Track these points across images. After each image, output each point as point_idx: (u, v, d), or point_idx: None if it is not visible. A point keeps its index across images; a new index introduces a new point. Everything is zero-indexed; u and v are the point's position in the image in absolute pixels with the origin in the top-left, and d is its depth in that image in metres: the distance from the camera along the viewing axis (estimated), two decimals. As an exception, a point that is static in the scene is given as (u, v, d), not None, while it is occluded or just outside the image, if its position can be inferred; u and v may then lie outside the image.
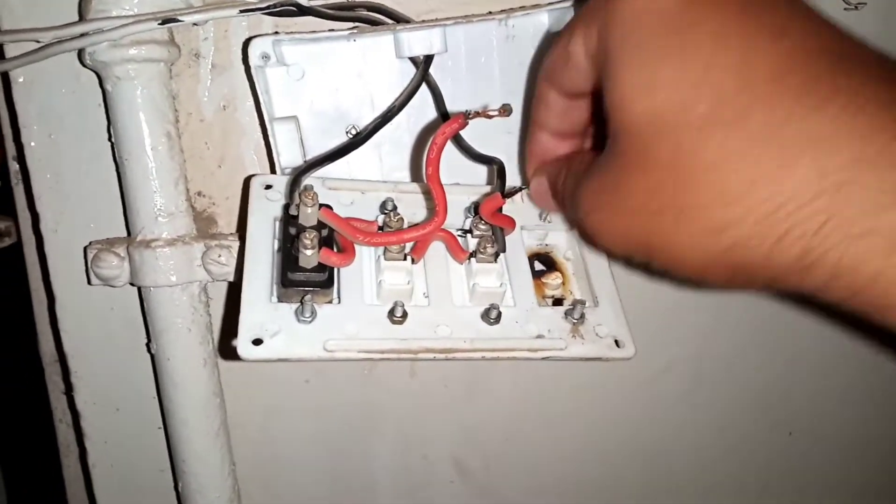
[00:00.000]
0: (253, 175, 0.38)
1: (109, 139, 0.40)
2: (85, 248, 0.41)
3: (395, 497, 0.49)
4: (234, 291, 0.42)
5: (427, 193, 0.40)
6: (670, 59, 0.26)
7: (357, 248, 0.36)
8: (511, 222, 0.38)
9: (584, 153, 0.35)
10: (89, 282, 0.41)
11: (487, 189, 0.42)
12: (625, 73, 0.27)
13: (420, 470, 0.49)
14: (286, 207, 0.36)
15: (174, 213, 0.40)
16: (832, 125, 0.23)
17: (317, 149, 0.42)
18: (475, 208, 0.39)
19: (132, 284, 0.40)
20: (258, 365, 0.45)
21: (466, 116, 0.33)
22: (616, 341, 0.36)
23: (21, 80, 0.40)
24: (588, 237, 0.31)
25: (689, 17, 0.27)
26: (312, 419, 0.47)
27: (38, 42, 0.38)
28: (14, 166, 0.48)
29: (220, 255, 0.40)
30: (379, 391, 0.47)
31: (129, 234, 0.41)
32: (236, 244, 0.40)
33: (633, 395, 0.52)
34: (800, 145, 0.24)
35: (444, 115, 0.42)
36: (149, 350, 0.41)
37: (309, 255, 0.33)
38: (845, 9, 0.48)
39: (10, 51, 0.39)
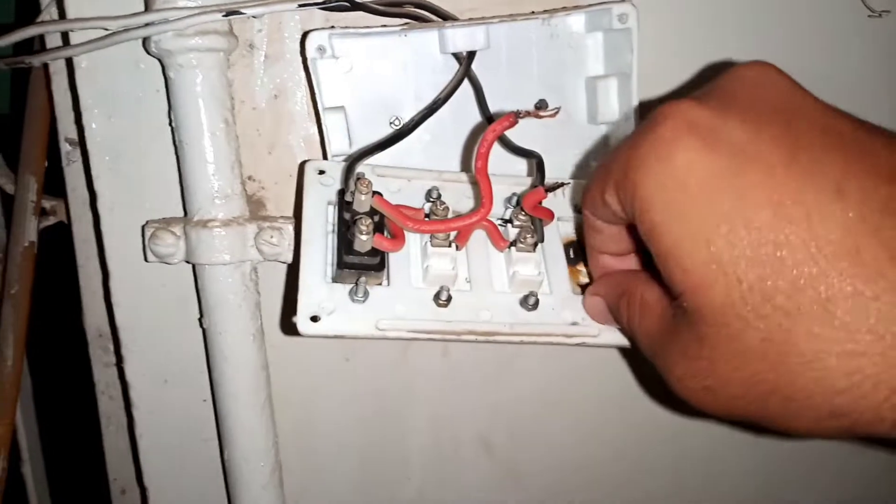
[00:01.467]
0: (307, 161, 0.41)
1: (170, 123, 0.42)
2: (143, 227, 0.43)
3: (425, 472, 0.51)
4: (290, 272, 0.44)
5: (469, 182, 0.42)
6: (734, 234, 0.25)
7: (406, 234, 0.38)
8: (549, 214, 0.40)
9: (643, 284, 0.34)
10: (146, 259, 0.43)
11: (526, 180, 0.44)
12: (691, 250, 0.26)
13: (449, 447, 0.51)
14: (341, 193, 0.38)
15: (230, 196, 0.42)
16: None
17: (362, 137, 0.44)
18: (516, 199, 0.41)
19: (187, 262, 0.43)
20: (301, 344, 0.47)
21: (517, 115, 0.35)
22: None
23: (84, 65, 0.42)
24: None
25: (741, 180, 0.26)
26: (349, 396, 0.49)
27: (105, 30, 0.40)
28: (66, 147, 0.50)
29: (272, 237, 0.42)
30: (412, 370, 0.50)
31: (185, 214, 0.43)
32: (287, 226, 0.42)
33: (655, 381, 0.54)
34: (891, 326, 0.23)
35: (484, 108, 0.44)
36: (201, 325, 0.43)
37: (364, 240, 0.35)
38: (869, 16, 0.50)
39: (76, 37, 0.42)
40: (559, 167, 0.47)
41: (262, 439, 0.44)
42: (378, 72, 0.44)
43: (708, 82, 0.31)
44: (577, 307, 0.38)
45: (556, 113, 0.35)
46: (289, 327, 0.34)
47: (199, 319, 0.44)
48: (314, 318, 0.34)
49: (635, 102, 0.45)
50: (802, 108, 0.28)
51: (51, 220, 0.62)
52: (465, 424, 0.52)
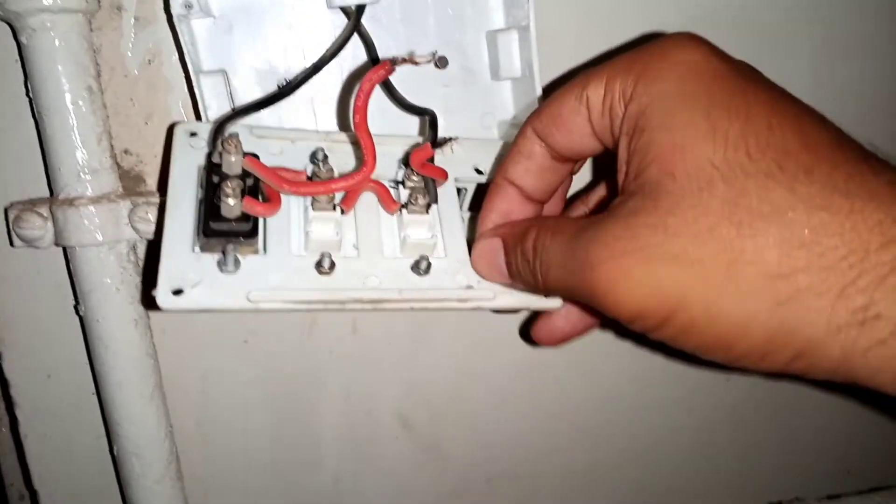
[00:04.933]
0: (177, 123, 0.37)
1: (27, 94, 0.38)
2: (6, 209, 0.40)
3: (340, 454, 0.49)
4: (154, 248, 0.41)
5: (360, 144, 0.40)
6: (735, 112, 0.26)
7: (285, 198, 0.35)
8: (443, 173, 0.38)
9: (554, 216, 0.33)
10: (12, 244, 0.40)
11: (421, 140, 0.41)
12: (686, 119, 0.27)
13: (364, 426, 0.49)
14: (210, 156, 0.35)
15: (98, 170, 0.38)
16: (890, 187, 0.24)
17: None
18: (407, 159, 0.38)
19: (57, 245, 0.39)
20: (194, 326, 0.44)
21: (393, 63, 0.33)
22: None
23: (-68, 34, 0.39)
24: (592, 293, 0.28)
25: (744, 82, 0.28)
26: (252, 379, 0.46)
27: (-56, -8, 0.37)
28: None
29: (147, 213, 0.39)
30: (320, 348, 0.47)
31: (51, 193, 0.39)
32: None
33: (573, 353, 0.52)
34: (865, 199, 0.24)
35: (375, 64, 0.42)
36: (77, 312, 0.40)
37: (231, 204, 0.32)
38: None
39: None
40: (463, 126, 0.44)
41: (152, 431, 0.41)
42: (262, 32, 0.41)
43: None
44: (473, 270, 0.36)
45: (433, 60, 0.33)
46: (150, 302, 0.31)
47: (75, 307, 0.40)
48: (177, 292, 0.31)
49: (535, 57, 0.42)
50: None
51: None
52: (381, 403, 0.49)
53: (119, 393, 0.40)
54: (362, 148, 0.34)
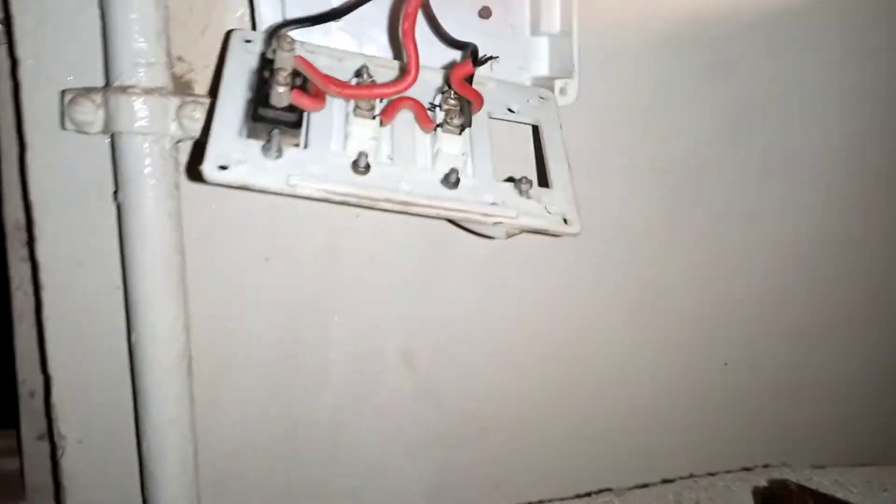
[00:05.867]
0: (234, 29, 0.39)
1: (95, -14, 0.40)
2: (62, 92, 0.41)
3: (343, 382, 0.50)
4: (198, 150, 0.43)
5: (402, 70, 0.42)
6: None
7: (328, 104, 0.37)
8: (479, 97, 0.40)
9: None
10: (63, 126, 0.41)
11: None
12: None
13: (369, 357, 0.50)
14: (263, 55, 0.37)
15: (153, 64, 0.40)
16: None
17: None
18: (444, 78, 0.40)
19: (105, 132, 0.41)
20: (221, 236, 0.46)
21: None
22: (564, 219, 0.38)
23: (11, -75, 0.41)
24: None
25: None
26: (269, 297, 0.48)
27: None
28: (-3, 28, 0.48)
29: (194, 111, 0.41)
30: (336, 275, 0.49)
31: (107, 83, 0.41)
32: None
33: (577, 315, 0.54)
34: None
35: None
36: (115, 199, 0.42)
37: (281, 92, 0.34)
38: None
39: None
40: (499, 77, 0.46)
41: (170, 322, 0.43)
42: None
43: None
44: (499, 191, 0.38)
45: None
46: (195, 174, 0.33)
47: (114, 193, 0.42)
48: (222, 167, 0.33)
49: (576, 15, 0.44)
50: None
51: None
52: (388, 336, 0.51)
53: (144, 283, 0.42)
54: (406, 56, 0.36)
